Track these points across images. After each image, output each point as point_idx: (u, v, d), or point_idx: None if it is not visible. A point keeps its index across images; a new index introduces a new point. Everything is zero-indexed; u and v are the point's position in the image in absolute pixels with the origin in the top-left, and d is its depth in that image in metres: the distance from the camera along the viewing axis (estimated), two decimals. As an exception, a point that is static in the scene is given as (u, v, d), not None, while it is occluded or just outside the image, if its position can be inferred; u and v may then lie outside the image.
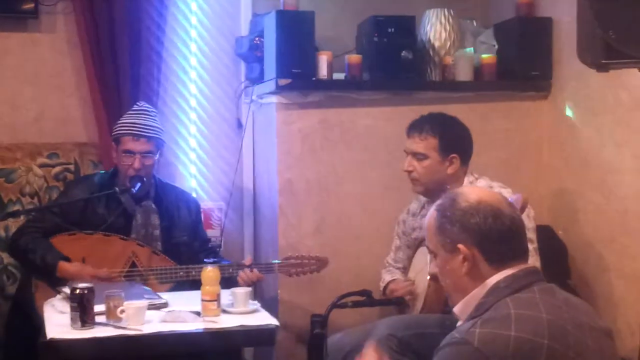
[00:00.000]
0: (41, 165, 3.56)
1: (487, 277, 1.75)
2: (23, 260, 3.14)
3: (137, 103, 3.31)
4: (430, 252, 1.88)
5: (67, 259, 2.99)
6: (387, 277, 3.14)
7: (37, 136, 3.59)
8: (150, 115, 3.21)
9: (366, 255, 3.39)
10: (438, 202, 1.85)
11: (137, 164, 3.10)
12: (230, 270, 3.01)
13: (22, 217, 3.28)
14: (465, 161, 2.92)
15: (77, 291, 2.45)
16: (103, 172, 3.37)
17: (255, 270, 3.03)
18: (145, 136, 3.13)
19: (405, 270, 3.11)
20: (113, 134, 3.23)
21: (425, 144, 2.88)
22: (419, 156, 2.89)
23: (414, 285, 2.94)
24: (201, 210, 3.46)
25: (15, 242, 3.12)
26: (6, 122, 3.57)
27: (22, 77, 3.59)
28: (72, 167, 3.60)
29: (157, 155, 3.20)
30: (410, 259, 3.08)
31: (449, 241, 1.78)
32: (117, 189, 3.11)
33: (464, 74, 3.56)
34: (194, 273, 2.98)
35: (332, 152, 3.44)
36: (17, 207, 3.51)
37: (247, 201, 3.84)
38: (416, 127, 2.91)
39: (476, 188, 1.89)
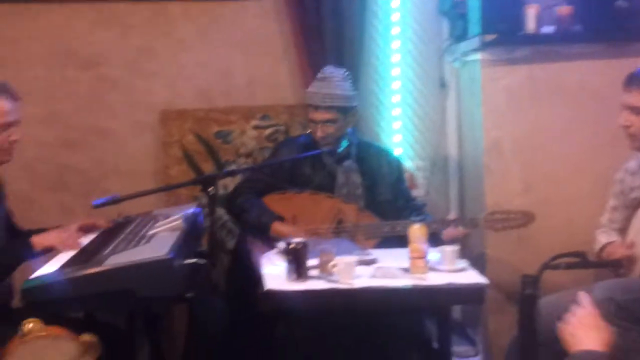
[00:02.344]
0: (254, 127, 3.75)
1: None
2: (239, 218, 3.32)
3: (323, 69, 3.29)
4: None
5: (281, 219, 3.13)
6: (602, 238, 3.00)
7: (250, 100, 3.77)
8: (332, 82, 3.21)
9: (577, 216, 3.26)
10: None
11: (319, 133, 3.18)
12: (435, 226, 3.01)
13: (238, 176, 3.48)
14: (693, 117, 2.71)
15: (292, 246, 2.57)
16: (307, 133, 3.47)
17: (460, 227, 3.01)
18: (322, 107, 3.17)
19: (621, 231, 2.96)
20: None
21: (644, 97, 2.71)
22: (636, 110, 2.72)
23: (634, 248, 2.79)
24: (404, 168, 3.47)
25: (232, 201, 3.31)
26: (221, 87, 3.77)
27: (234, 44, 3.77)
28: (282, 128, 3.76)
29: (344, 120, 3.20)
30: (628, 219, 2.92)
31: None
32: (322, 149, 3.20)
33: (689, 21, 3.29)
34: (399, 229, 3.00)
35: (540, 109, 3.33)
36: (233, 167, 3.72)
37: (452, 160, 3.81)
38: (635, 81, 2.74)
39: None
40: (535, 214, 3.04)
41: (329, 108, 3.17)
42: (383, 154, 3.39)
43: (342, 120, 3.20)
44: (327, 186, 3.23)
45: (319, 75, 3.27)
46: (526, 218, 3.02)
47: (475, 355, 3.42)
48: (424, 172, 3.79)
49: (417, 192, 3.69)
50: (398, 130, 3.83)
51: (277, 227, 3.10)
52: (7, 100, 2.73)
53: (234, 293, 3.22)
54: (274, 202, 3.22)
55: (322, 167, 3.26)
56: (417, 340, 3.07)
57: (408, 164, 3.72)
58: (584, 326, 1.93)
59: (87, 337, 2.33)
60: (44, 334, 2.29)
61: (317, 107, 3.18)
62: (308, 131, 3.33)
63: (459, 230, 3.02)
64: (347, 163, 3.26)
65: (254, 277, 2.82)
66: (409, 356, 3.23)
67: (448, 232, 3.01)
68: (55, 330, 2.33)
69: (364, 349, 2.97)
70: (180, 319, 3.34)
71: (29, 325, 2.28)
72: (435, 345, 2.97)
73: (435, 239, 2.89)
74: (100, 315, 3.00)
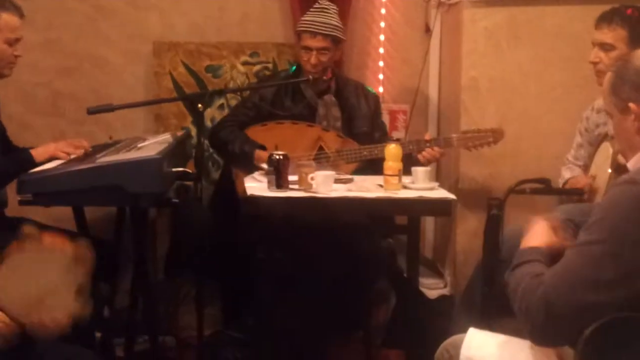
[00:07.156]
0: (244, 63, 3.88)
1: None
2: (222, 150, 3.44)
3: (319, 1, 3.47)
4: (608, 114, 1.94)
5: (263, 147, 3.26)
6: (566, 174, 3.17)
7: (241, 36, 3.89)
8: (329, 13, 3.37)
9: (548, 155, 3.41)
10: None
11: (313, 60, 3.31)
12: (411, 147, 3.16)
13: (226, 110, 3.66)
14: (658, 56, 2.85)
15: (274, 157, 2.73)
16: (290, 69, 3.62)
17: (436, 148, 3.16)
18: (321, 33, 3.31)
19: (585, 168, 3.12)
20: (295, 30, 3.44)
21: (613, 34, 2.86)
22: (606, 47, 2.88)
23: (595, 181, 2.95)
24: (380, 103, 3.62)
25: (215, 134, 3.42)
26: (214, 22, 3.90)
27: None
28: (270, 65, 3.89)
29: (335, 51, 3.36)
30: (591, 156, 3.09)
31: (621, 101, 1.81)
32: (299, 79, 3.35)
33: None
34: (376, 152, 3.16)
35: (518, 50, 3.47)
36: (221, 102, 3.86)
37: (432, 104, 3.93)
38: (605, 18, 2.90)
39: None
40: (504, 130, 3.18)
41: (325, 36, 3.31)
42: (360, 88, 3.53)
43: (333, 50, 3.36)
44: (307, 118, 3.38)
45: (316, 5, 3.41)
46: (496, 135, 3.17)
47: (445, 286, 3.59)
48: (404, 114, 3.93)
49: (398, 135, 3.82)
50: (382, 70, 3.96)
51: (260, 154, 3.20)
52: (17, 16, 2.90)
53: (217, 220, 3.29)
54: (256, 133, 3.35)
55: (302, 99, 3.40)
56: (387, 267, 3.25)
57: (389, 107, 3.86)
58: (535, 230, 2.09)
59: (81, 242, 2.40)
60: (40, 239, 2.28)
61: (314, 34, 3.31)
62: (293, 67, 3.49)
63: (435, 151, 3.16)
64: (327, 97, 3.41)
65: (236, 206, 2.97)
66: (379, 284, 3.42)
67: (424, 154, 3.15)
68: (52, 236, 2.37)
69: (337, 270, 3.13)
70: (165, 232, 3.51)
71: (27, 229, 2.34)
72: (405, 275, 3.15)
73: (411, 161, 3.02)
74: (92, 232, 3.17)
